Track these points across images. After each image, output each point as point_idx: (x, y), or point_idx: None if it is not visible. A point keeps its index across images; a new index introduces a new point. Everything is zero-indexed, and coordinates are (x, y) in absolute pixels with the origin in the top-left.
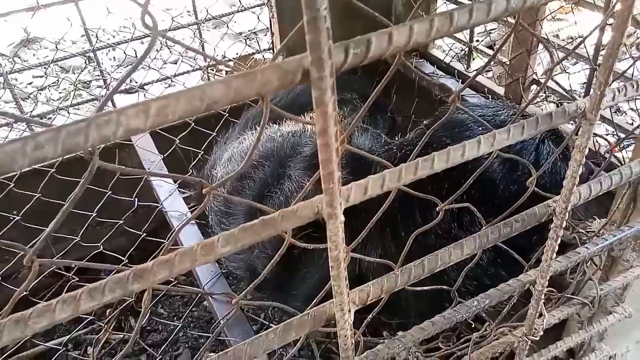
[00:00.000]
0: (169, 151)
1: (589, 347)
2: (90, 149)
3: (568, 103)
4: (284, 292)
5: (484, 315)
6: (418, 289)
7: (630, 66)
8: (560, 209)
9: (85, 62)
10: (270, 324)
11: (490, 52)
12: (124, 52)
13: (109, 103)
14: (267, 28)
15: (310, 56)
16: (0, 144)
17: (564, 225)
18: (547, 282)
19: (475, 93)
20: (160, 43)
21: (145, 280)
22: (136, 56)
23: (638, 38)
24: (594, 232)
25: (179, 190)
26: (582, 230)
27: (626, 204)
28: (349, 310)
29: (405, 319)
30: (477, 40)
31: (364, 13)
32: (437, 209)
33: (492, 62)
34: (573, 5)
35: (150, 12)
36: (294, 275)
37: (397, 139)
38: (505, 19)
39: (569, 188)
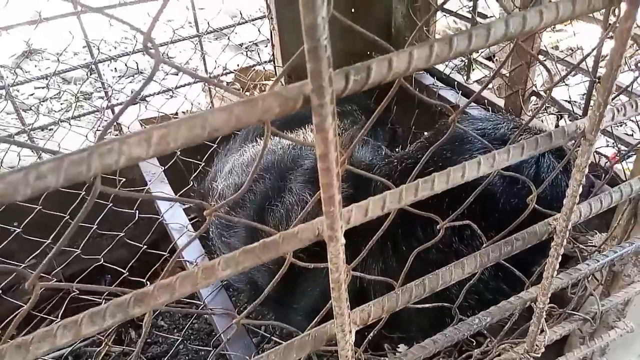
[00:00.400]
0: (170, 163)
1: None
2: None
3: (568, 121)
4: (285, 306)
5: (485, 332)
6: (419, 306)
7: (632, 82)
8: (561, 227)
9: (86, 74)
10: (272, 337)
11: (490, 63)
12: (125, 65)
13: (111, 117)
14: (268, 39)
15: (311, 84)
16: (2, 174)
17: (564, 243)
18: (548, 299)
19: (476, 105)
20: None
21: (146, 305)
22: (137, 68)
23: (637, 52)
24: (595, 246)
25: (179, 202)
26: (583, 245)
27: (627, 220)
28: (350, 331)
29: (407, 333)
30: (477, 52)
31: (364, 24)
32: (437, 227)
33: (492, 74)
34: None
35: (152, 40)
36: (295, 290)
37: (397, 150)
38: None
39: (570, 207)
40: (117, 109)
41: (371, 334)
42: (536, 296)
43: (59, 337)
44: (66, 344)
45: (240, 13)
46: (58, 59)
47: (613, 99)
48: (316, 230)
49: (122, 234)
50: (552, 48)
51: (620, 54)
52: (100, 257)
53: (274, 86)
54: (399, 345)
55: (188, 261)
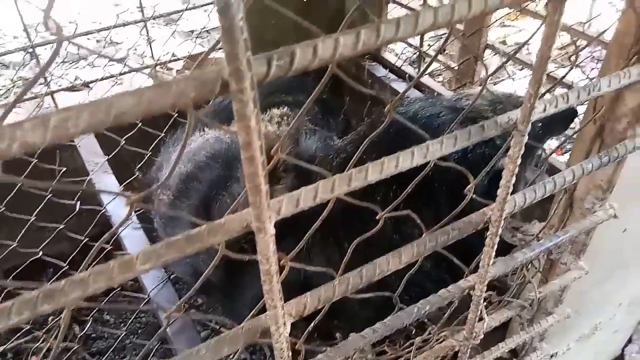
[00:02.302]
0: (115, 152)
1: (531, 346)
2: None
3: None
4: (232, 298)
5: (426, 320)
6: (359, 296)
7: (566, 74)
8: (496, 217)
9: (24, 58)
10: (221, 329)
11: (440, 57)
12: (65, 50)
13: (51, 103)
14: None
15: (228, 68)
16: None
17: (499, 233)
18: (485, 288)
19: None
20: (104, 40)
21: (57, 301)
22: (78, 53)
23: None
24: (533, 235)
25: (123, 193)
26: (523, 234)
27: (563, 210)
28: (284, 324)
29: (353, 324)
30: (429, 45)
31: (318, 14)
32: (376, 217)
33: (442, 67)
34: (518, 12)
35: (52, 17)
36: (241, 281)
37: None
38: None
39: (503, 197)
40: (59, 96)
41: (310, 327)
42: (474, 284)
43: None
44: None
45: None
46: None
47: (550, 90)
48: (244, 222)
49: (61, 227)
50: (500, 43)
51: (549, 47)
52: (38, 250)
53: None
54: (350, 334)
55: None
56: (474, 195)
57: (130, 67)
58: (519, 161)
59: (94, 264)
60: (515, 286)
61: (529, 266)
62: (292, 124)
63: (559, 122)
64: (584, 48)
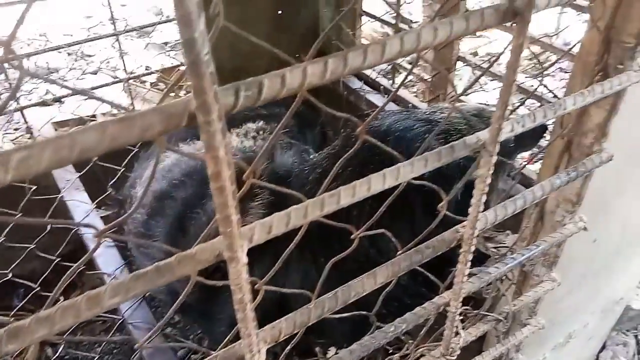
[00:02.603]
0: (87, 168)
1: (507, 358)
2: None
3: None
4: (208, 317)
5: (402, 337)
6: (337, 316)
7: (532, 93)
8: (468, 235)
9: None
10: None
11: (414, 69)
12: (35, 64)
13: (21, 119)
14: None
15: (195, 101)
16: None
17: (472, 250)
18: (460, 304)
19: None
20: (75, 54)
21: (22, 340)
22: (48, 67)
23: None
24: (507, 246)
25: (96, 210)
26: (497, 245)
27: (534, 223)
28: (259, 351)
29: (332, 338)
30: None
31: (292, 25)
32: (351, 237)
33: (416, 79)
34: None
35: (13, 51)
36: (217, 300)
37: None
38: None
39: (475, 215)
40: (30, 112)
41: (287, 348)
42: (449, 301)
43: None
44: None
45: (162, 12)
46: None
47: (522, 104)
48: (216, 251)
49: (32, 246)
50: (471, 54)
51: (514, 70)
52: (8, 271)
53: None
54: (329, 349)
55: (106, 273)
56: (447, 212)
57: (106, 80)
58: (488, 180)
59: (66, 283)
60: (490, 299)
61: (503, 279)
62: (264, 147)
63: (529, 137)
64: (551, 65)
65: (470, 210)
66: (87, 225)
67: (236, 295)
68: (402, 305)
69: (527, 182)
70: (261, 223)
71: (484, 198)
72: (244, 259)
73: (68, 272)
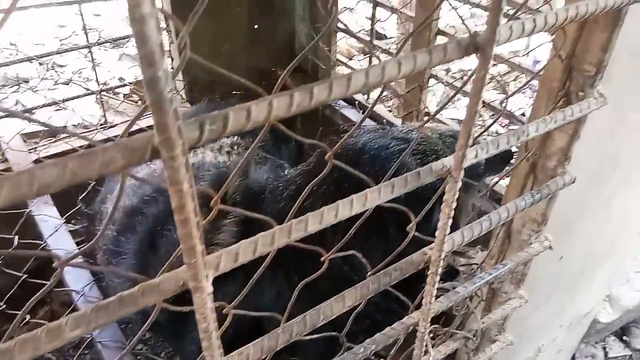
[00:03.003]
0: None
1: None
2: None
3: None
4: (179, 336)
5: (372, 358)
6: (307, 338)
7: (494, 121)
8: (435, 257)
9: None
10: None
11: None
12: (4, 74)
13: None
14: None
15: (157, 137)
16: None
17: (439, 272)
18: (429, 324)
19: (374, 124)
20: (46, 65)
21: None
22: (18, 78)
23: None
24: (477, 263)
25: (65, 225)
26: (467, 262)
27: (502, 241)
28: None
29: (304, 357)
30: None
31: (268, 39)
32: (322, 259)
33: (391, 94)
34: None
35: None
36: (187, 319)
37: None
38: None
39: (441, 238)
40: None
41: None
42: (418, 321)
43: None
44: None
45: None
46: None
47: (493, 123)
48: (180, 281)
49: None
50: (444, 70)
51: (477, 101)
52: None
53: (129, 129)
54: None
55: (75, 291)
56: (417, 233)
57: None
58: (454, 205)
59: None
60: (459, 317)
61: (473, 296)
62: (235, 169)
63: (497, 162)
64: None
65: (437, 233)
66: (51, 254)
67: (201, 324)
68: (373, 323)
69: (496, 197)
70: (227, 251)
71: (450, 222)
72: (209, 288)
73: (27, 305)
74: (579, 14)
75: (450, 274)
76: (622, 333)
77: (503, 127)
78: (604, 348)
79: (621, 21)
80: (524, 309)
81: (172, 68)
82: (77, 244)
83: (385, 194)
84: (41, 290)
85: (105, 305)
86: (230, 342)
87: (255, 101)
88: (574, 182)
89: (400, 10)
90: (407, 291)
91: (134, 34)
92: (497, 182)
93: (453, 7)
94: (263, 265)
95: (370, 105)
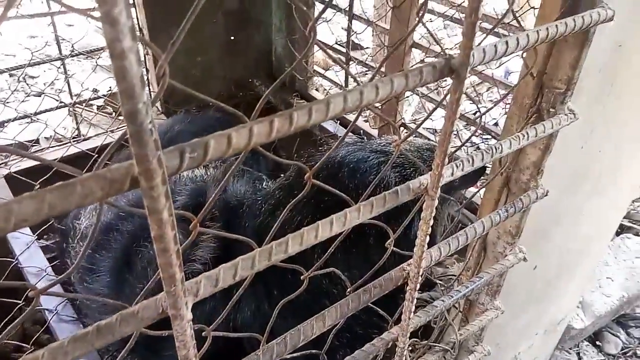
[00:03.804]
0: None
1: None
2: None
3: (411, 182)
4: (156, 354)
5: None
6: (288, 356)
7: (469, 138)
8: (414, 273)
9: None
10: None
11: None
12: None
13: None
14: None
15: (137, 167)
16: None
17: (418, 288)
18: (408, 339)
19: (352, 134)
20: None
21: None
22: None
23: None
24: (454, 275)
25: (37, 241)
26: (444, 273)
27: (478, 253)
28: None
29: None
30: (356, 80)
31: (244, 51)
32: (301, 277)
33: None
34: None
35: None
36: (164, 338)
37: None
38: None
39: (419, 255)
40: None
41: None
42: (397, 336)
43: None
44: None
45: None
46: None
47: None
48: (160, 308)
49: None
50: None
51: (452, 123)
52: None
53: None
54: None
55: (47, 309)
56: (395, 249)
57: (50, 102)
58: (431, 222)
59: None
60: (437, 329)
61: (450, 308)
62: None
63: (470, 175)
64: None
65: (415, 250)
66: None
67: (181, 351)
68: (354, 336)
69: (473, 207)
70: (207, 277)
71: (427, 239)
72: (189, 315)
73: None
74: (550, 35)
75: (427, 284)
76: (595, 338)
77: (477, 136)
78: (578, 354)
79: (589, 41)
80: (501, 317)
81: (147, 80)
82: (49, 260)
83: (365, 213)
84: (14, 322)
85: (82, 335)
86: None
87: (236, 128)
88: (546, 195)
89: (376, 23)
90: (386, 303)
91: (113, 69)
92: (475, 194)
93: (426, 28)
94: (243, 286)
95: (351, 122)
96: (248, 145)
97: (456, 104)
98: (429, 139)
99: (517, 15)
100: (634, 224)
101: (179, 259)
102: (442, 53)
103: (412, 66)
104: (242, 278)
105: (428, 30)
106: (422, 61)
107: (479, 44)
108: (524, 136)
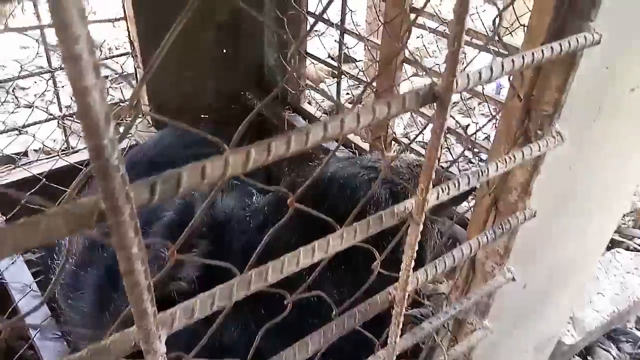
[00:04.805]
0: (14, 212)
1: None
2: None
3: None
4: None
5: None
6: None
7: (457, 158)
8: (399, 297)
9: None
10: None
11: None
12: None
13: None
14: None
15: (104, 203)
16: None
17: (403, 312)
18: None
19: (343, 147)
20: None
21: None
22: None
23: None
24: (443, 293)
25: (22, 256)
26: (432, 293)
27: (466, 272)
28: None
29: None
30: (347, 93)
31: (236, 64)
32: (285, 302)
33: None
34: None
35: None
36: None
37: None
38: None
39: (405, 279)
40: None
41: None
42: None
43: None
44: None
45: (100, 49)
46: None
47: (457, 159)
48: (132, 342)
49: None
50: None
51: (436, 149)
52: None
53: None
54: None
55: (32, 326)
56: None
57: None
58: (416, 247)
59: None
60: (426, 349)
61: (439, 328)
62: (199, 212)
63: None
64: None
65: (400, 274)
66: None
67: None
68: (341, 354)
69: (464, 222)
70: (183, 308)
71: (412, 264)
72: (162, 349)
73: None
74: (536, 59)
75: (418, 300)
76: (586, 353)
77: (469, 150)
78: None
79: (576, 64)
80: (490, 337)
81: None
82: (34, 275)
83: (348, 239)
84: None
85: None
86: None
87: (210, 159)
88: (534, 216)
89: (367, 38)
90: (374, 324)
91: (77, 105)
92: (467, 211)
93: (410, 53)
94: (222, 314)
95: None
96: (223, 175)
97: (440, 130)
98: (420, 154)
99: (508, 32)
100: (625, 238)
101: (150, 293)
102: (431, 69)
103: (403, 80)
104: (220, 308)
105: (423, 47)
106: (414, 74)
107: (472, 60)
108: (510, 159)
